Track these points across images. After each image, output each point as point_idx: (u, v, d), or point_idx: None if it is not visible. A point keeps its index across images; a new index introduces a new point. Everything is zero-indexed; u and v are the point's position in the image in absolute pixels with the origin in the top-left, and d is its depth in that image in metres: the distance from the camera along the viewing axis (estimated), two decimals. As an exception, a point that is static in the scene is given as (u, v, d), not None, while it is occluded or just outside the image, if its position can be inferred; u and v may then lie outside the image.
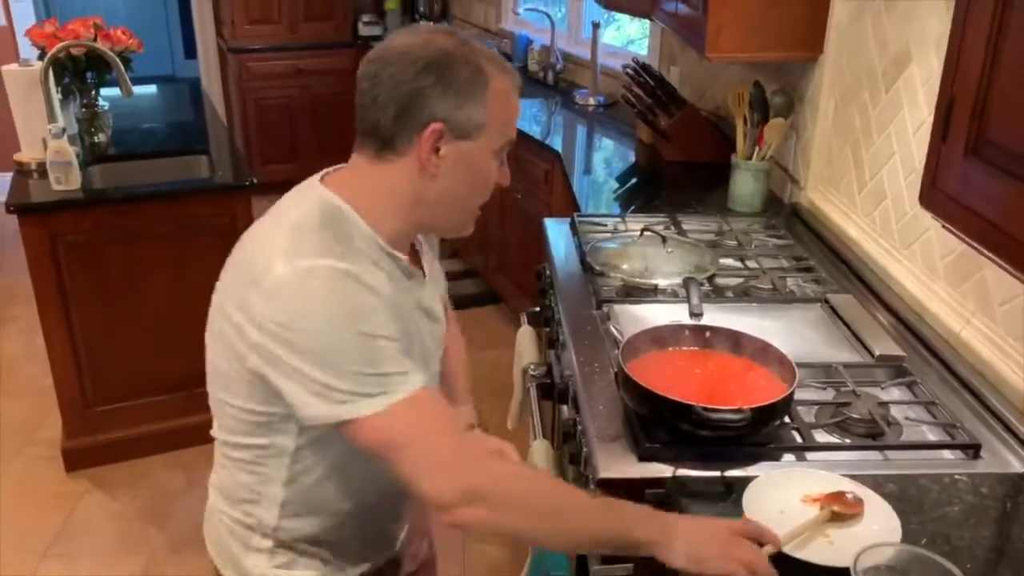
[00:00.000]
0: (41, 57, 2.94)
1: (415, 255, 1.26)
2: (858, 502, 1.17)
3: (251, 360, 1.08)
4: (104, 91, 3.23)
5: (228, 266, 1.16)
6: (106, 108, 3.25)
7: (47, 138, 2.63)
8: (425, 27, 1.18)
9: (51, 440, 3.01)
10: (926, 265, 1.72)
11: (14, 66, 2.82)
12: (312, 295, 1.03)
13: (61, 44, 2.89)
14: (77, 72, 3.06)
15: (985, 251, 1.03)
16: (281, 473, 1.18)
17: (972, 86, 1.02)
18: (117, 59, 2.90)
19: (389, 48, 1.11)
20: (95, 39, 3.01)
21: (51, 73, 2.81)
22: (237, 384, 1.13)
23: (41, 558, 2.55)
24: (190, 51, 6.88)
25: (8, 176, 2.81)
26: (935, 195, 1.12)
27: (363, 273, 1.07)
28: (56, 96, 2.86)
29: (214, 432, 1.25)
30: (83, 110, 3.17)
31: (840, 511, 1.15)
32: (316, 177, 1.19)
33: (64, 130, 2.66)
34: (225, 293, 1.13)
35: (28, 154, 2.83)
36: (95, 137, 3.18)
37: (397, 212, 1.15)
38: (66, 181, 2.62)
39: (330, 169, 1.21)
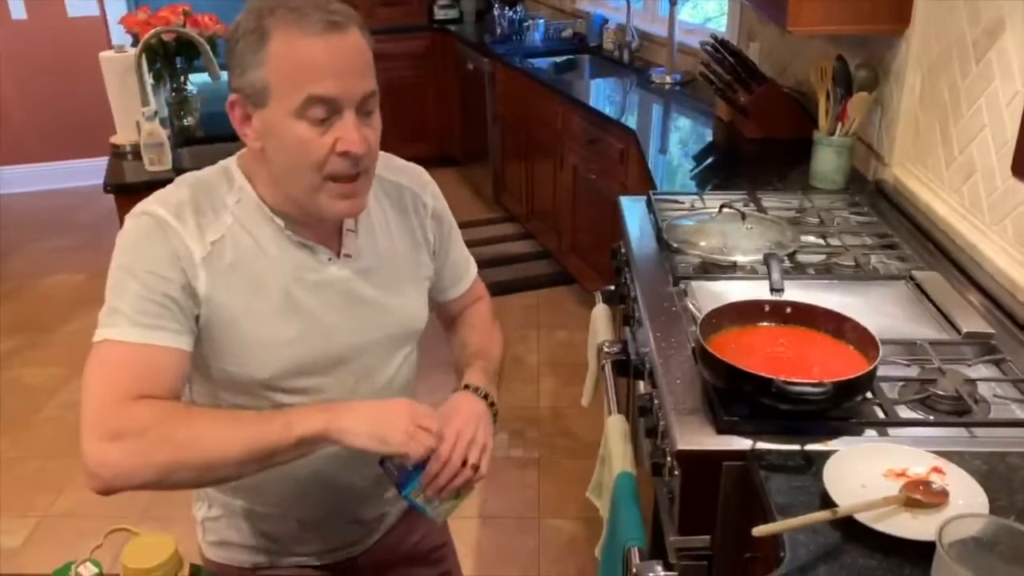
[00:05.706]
0: (134, 44, 3.07)
1: (338, 235, 1.23)
2: (943, 494, 1.12)
3: None
4: (192, 76, 3.35)
5: None
6: (194, 92, 3.37)
7: (140, 121, 2.75)
8: None
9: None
10: (1018, 240, 1.66)
11: (110, 53, 2.95)
12: (122, 232, 1.12)
13: (153, 30, 3.00)
14: (167, 57, 3.19)
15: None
16: None
17: (1071, 51, 0.99)
18: (205, 44, 3.01)
19: None
20: (184, 25, 3.12)
21: (144, 59, 2.94)
22: None
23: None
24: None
25: (105, 160, 2.93)
26: (1029, 164, 1.09)
27: (187, 227, 1.10)
28: (148, 81, 2.98)
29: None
30: (173, 94, 3.30)
31: (920, 499, 1.11)
32: None
33: (156, 113, 2.77)
34: None
35: (123, 137, 2.96)
36: (184, 120, 3.30)
37: (268, 183, 1.17)
38: (159, 162, 2.74)
39: None
